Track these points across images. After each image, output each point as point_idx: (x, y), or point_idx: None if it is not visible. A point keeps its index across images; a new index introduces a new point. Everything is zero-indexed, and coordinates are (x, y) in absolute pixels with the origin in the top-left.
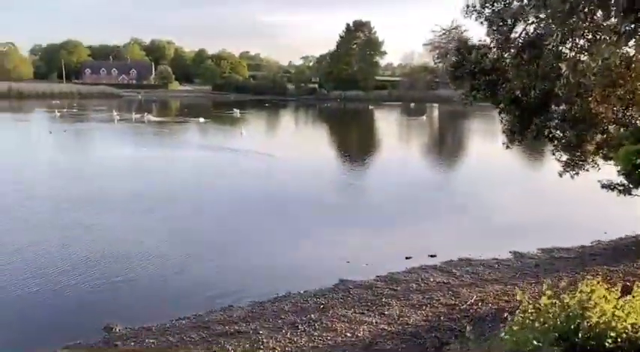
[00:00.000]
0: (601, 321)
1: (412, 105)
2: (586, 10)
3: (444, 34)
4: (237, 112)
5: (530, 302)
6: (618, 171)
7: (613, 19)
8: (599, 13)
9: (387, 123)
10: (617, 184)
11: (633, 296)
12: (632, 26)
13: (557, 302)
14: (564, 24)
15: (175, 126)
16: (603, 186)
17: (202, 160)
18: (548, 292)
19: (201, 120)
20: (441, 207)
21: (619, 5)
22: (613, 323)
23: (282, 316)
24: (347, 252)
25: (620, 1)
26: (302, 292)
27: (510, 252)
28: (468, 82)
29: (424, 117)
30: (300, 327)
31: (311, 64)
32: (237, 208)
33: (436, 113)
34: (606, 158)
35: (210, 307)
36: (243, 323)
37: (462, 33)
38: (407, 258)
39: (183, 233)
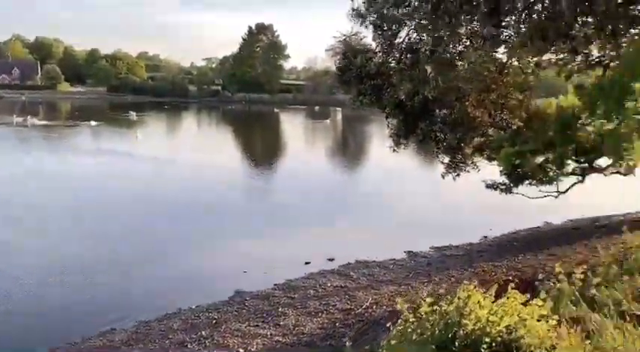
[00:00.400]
0: (476, 328)
1: (317, 108)
2: (451, 14)
3: (343, 39)
4: (133, 115)
5: (411, 311)
6: (500, 172)
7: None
8: (464, 17)
9: (292, 126)
10: (500, 183)
11: (507, 298)
12: (496, 31)
13: (437, 308)
14: (435, 29)
15: (65, 130)
16: (487, 186)
17: (89, 167)
18: (429, 299)
19: (93, 123)
20: (341, 209)
21: (481, 10)
22: (487, 329)
23: (170, 335)
24: (245, 261)
25: (481, 6)
26: (194, 307)
27: (405, 252)
28: (355, 86)
29: (328, 121)
30: (189, 346)
31: (214, 65)
32: (123, 218)
33: (339, 116)
34: (490, 159)
35: (88, 333)
36: (125, 347)
37: (360, 39)
38: (306, 263)
39: (58, 249)
